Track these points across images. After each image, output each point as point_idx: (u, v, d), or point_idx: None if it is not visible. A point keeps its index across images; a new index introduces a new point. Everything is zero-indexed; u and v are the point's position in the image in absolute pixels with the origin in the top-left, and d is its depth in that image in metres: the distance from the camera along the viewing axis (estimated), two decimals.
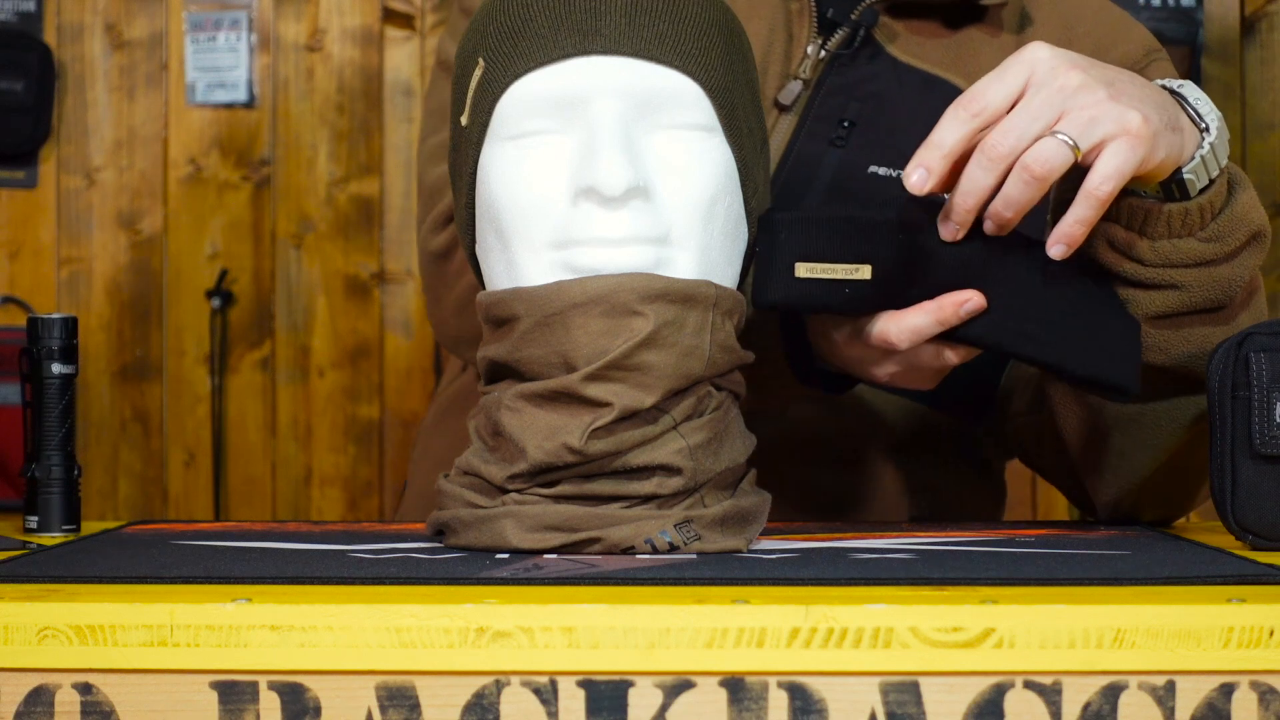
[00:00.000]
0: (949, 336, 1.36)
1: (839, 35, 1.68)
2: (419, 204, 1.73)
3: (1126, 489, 1.53)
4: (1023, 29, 1.72)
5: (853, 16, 1.68)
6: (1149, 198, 1.36)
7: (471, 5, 1.72)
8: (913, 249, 1.33)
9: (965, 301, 1.33)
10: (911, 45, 1.70)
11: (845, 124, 1.66)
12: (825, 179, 1.64)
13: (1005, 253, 1.35)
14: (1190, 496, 1.55)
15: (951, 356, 1.38)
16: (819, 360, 1.47)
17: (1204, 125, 1.36)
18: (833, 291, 1.33)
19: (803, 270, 1.33)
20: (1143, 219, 1.36)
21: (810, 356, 1.47)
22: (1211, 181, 1.36)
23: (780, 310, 1.39)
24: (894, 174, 1.62)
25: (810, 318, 1.44)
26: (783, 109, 1.67)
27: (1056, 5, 1.74)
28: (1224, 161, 1.37)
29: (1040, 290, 1.35)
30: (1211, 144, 1.35)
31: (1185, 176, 1.34)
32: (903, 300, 1.34)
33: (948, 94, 1.63)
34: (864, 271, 1.33)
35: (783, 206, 1.59)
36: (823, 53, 1.68)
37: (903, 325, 1.34)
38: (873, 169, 1.64)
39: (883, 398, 1.65)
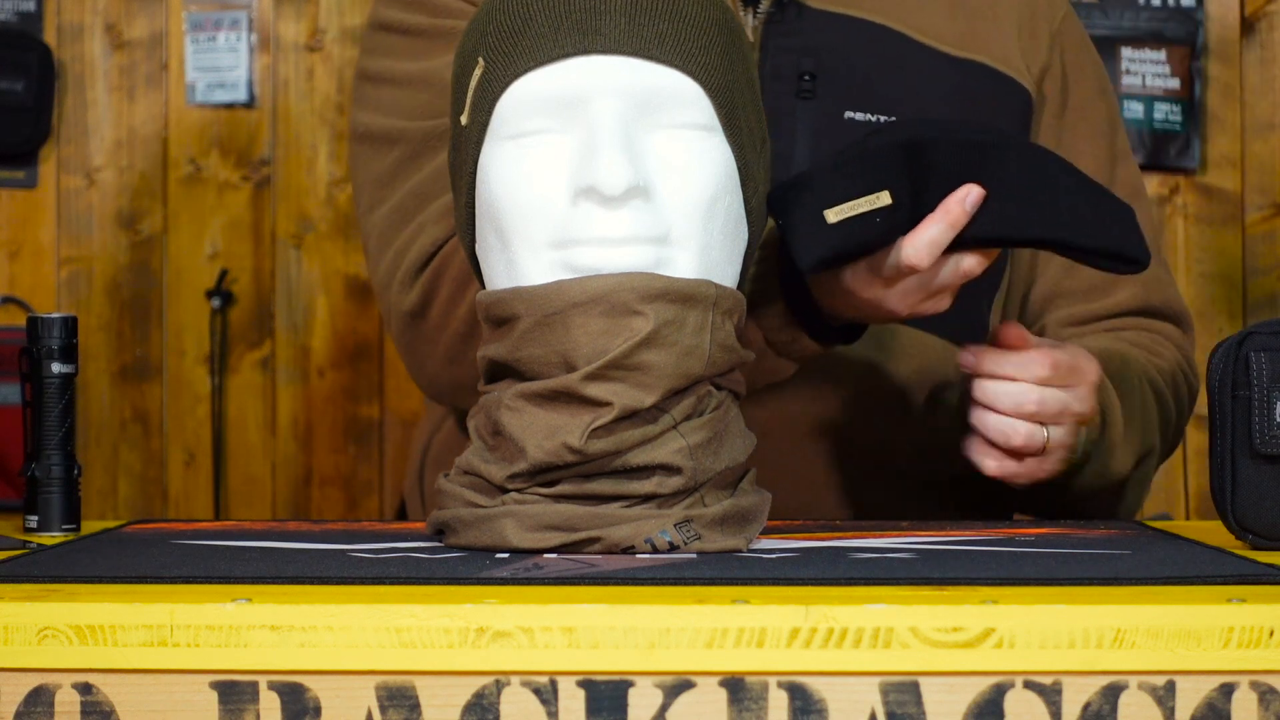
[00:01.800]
0: (961, 245, 1.39)
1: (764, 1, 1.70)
2: (381, 268, 1.67)
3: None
4: None
5: None
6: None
7: (375, 72, 1.73)
8: (916, 166, 1.37)
9: (966, 195, 1.37)
10: None
11: (806, 77, 1.68)
12: (807, 130, 1.67)
13: (1001, 149, 1.39)
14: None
15: (968, 262, 1.41)
16: (829, 319, 1.49)
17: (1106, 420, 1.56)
18: (866, 226, 1.36)
19: (833, 216, 1.36)
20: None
21: (819, 319, 1.49)
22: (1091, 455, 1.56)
23: (828, 266, 1.40)
24: (870, 119, 1.66)
25: (814, 280, 1.45)
26: None
27: None
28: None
29: (1038, 177, 1.39)
30: (1092, 441, 1.54)
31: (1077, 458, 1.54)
32: (922, 217, 1.38)
33: (880, 35, 1.68)
34: (884, 198, 1.36)
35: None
36: (753, 20, 1.69)
37: (919, 242, 1.37)
38: (848, 115, 1.67)
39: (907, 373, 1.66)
